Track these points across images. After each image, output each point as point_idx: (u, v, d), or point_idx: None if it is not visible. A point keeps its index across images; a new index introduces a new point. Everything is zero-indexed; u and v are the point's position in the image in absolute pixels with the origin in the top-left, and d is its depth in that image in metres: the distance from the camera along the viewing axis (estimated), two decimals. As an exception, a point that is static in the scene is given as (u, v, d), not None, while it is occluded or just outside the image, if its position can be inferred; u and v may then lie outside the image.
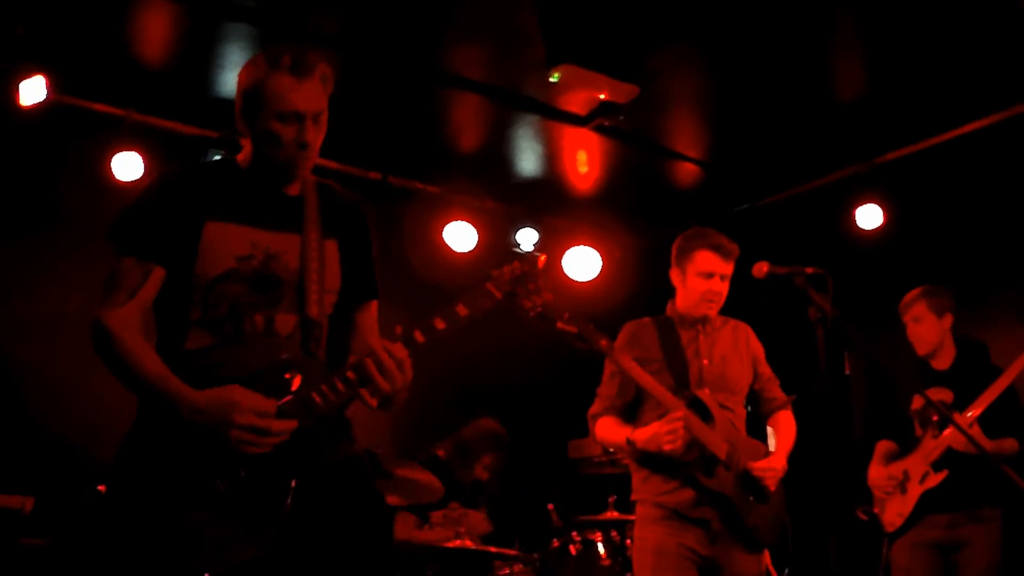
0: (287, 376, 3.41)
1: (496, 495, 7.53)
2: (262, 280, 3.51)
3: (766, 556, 5.52)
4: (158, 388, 3.32)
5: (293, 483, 3.35)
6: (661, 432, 5.14)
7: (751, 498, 5.32)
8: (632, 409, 5.57)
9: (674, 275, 5.67)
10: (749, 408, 5.75)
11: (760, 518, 5.33)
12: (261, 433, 3.28)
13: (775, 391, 5.79)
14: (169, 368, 3.36)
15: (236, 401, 3.26)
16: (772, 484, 5.36)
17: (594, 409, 5.67)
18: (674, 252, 5.67)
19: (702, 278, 5.50)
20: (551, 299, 3.87)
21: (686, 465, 5.25)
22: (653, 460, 5.34)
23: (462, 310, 3.57)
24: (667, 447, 5.11)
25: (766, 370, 5.80)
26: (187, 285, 3.46)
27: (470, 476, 7.48)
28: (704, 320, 5.60)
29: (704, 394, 5.40)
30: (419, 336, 3.49)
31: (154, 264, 3.44)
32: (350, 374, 3.41)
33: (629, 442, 5.33)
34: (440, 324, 3.52)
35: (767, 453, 5.50)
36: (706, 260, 5.49)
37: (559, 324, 4.92)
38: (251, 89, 3.51)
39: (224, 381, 3.32)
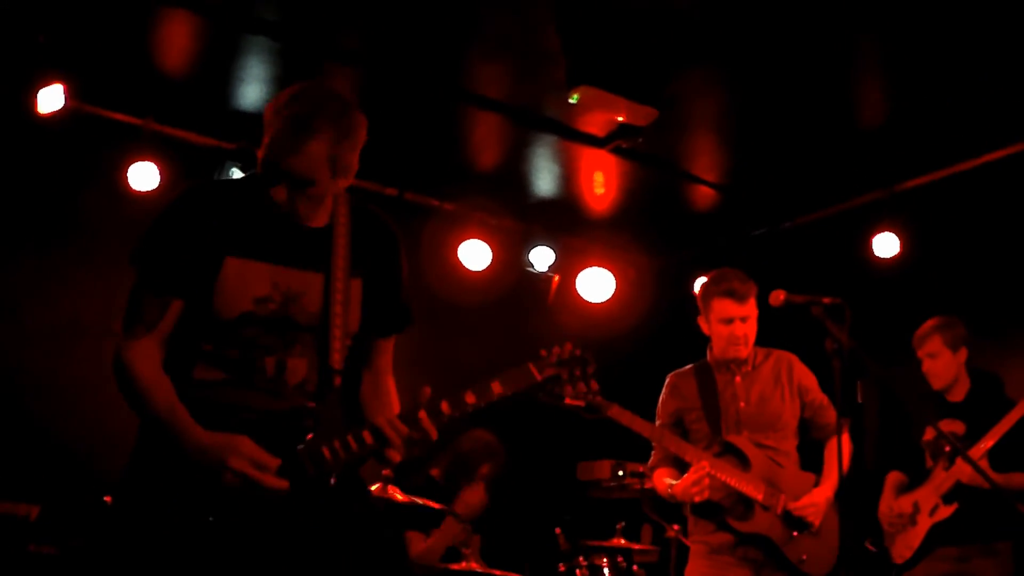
0: (308, 423, 3.39)
1: (490, 511, 7.48)
2: (279, 324, 3.47)
3: None
4: (168, 423, 3.31)
5: (285, 531, 3.34)
6: (688, 484, 5.36)
7: (795, 533, 5.44)
8: (680, 459, 5.69)
9: (702, 323, 5.81)
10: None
11: (807, 551, 5.45)
12: (251, 484, 3.25)
13: (828, 416, 5.78)
14: (175, 390, 3.36)
15: (236, 447, 3.25)
16: (815, 519, 5.47)
17: (651, 461, 5.93)
18: (698, 302, 5.81)
19: (723, 324, 5.64)
20: (597, 389, 3.78)
21: (723, 510, 5.46)
22: (697, 506, 5.55)
23: (496, 388, 3.55)
24: (697, 498, 5.35)
25: (816, 397, 5.82)
26: (202, 318, 3.43)
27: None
28: (738, 362, 5.70)
29: (738, 439, 5.55)
30: (446, 408, 3.47)
31: (172, 298, 3.43)
32: (367, 435, 3.40)
33: (671, 496, 5.57)
34: (470, 399, 3.51)
35: (816, 483, 5.60)
36: (722, 307, 5.62)
37: (567, 400, 4.88)
38: (270, 133, 3.40)
39: (231, 421, 3.33)
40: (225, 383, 3.44)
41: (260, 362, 3.45)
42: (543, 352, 3.65)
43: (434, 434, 3.45)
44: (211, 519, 3.24)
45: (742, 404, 5.64)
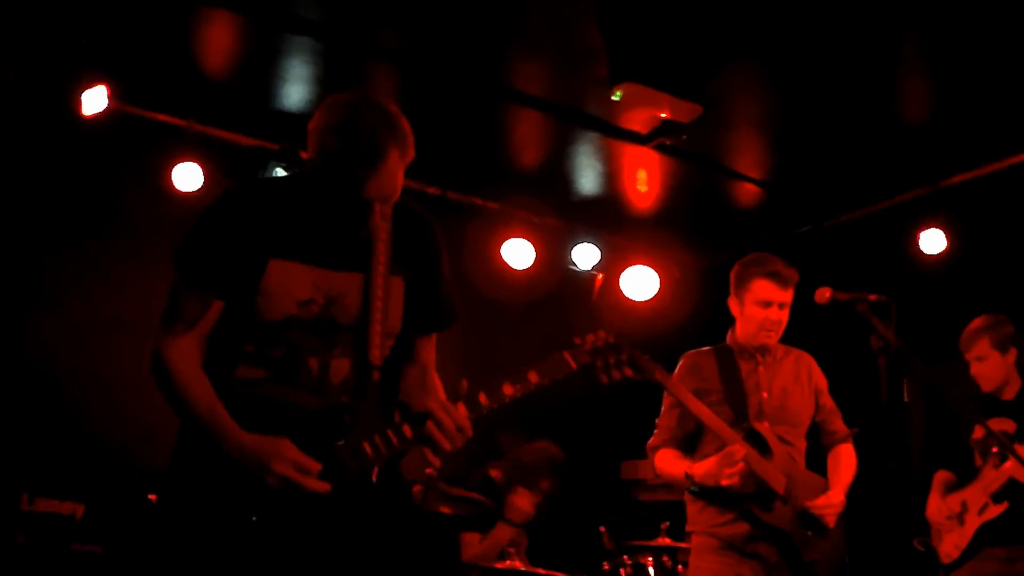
0: (347, 419, 3.39)
1: (547, 521, 7.48)
2: (321, 325, 3.48)
3: None
4: (205, 420, 3.32)
5: (327, 531, 3.34)
6: (720, 466, 5.11)
7: (809, 533, 5.28)
8: (691, 441, 5.54)
9: (732, 304, 5.64)
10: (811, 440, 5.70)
11: (818, 553, 5.28)
12: (293, 488, 3.25)
13: (837, 424, 5.74)
14: (215, 389, 3.37)
15: (279, 450, 3.26)
16: (831, 520, 5.33)
17: (653, 441, 5.66)
18: (732, 280, 5.65)
19: (760, 307, 5.47)
20: (631, 375, 3.84)
21: (743, 499, 5.22)
22: (710, 492, 5.32)
23: (534, 377, 3.56)
24: (725, 482, 5.09)
25: (828, 402, 5.74)
26: (245, 319, 3.44)
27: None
28: (764, 350, 5.58)
29: (763, 427, 5.36)
30: (484, 400, 3.49)
31: (213, 297, 3.43)
32: (407, 429, 3.42)
33: (688, 476, 5.32)
34: (508, 390, 3.52)
35: (826, 487, 5.45)
36: (763, 288, 5.45)
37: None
38: (322, 155, 3.36)
39: (272, 419, 3.34)
40: (268, 381, 3.44)
41: (304, 362, 3.46)
42: (577, 340, 3.69)
43: (468, 425, 3.45)
44: (255, 519, 3.24)
45: (765, 394, 5.49)
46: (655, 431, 5.67)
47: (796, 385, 5.62)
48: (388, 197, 3.43)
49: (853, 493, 5.51)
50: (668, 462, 5.52)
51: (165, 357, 3.38)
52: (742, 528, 5.24)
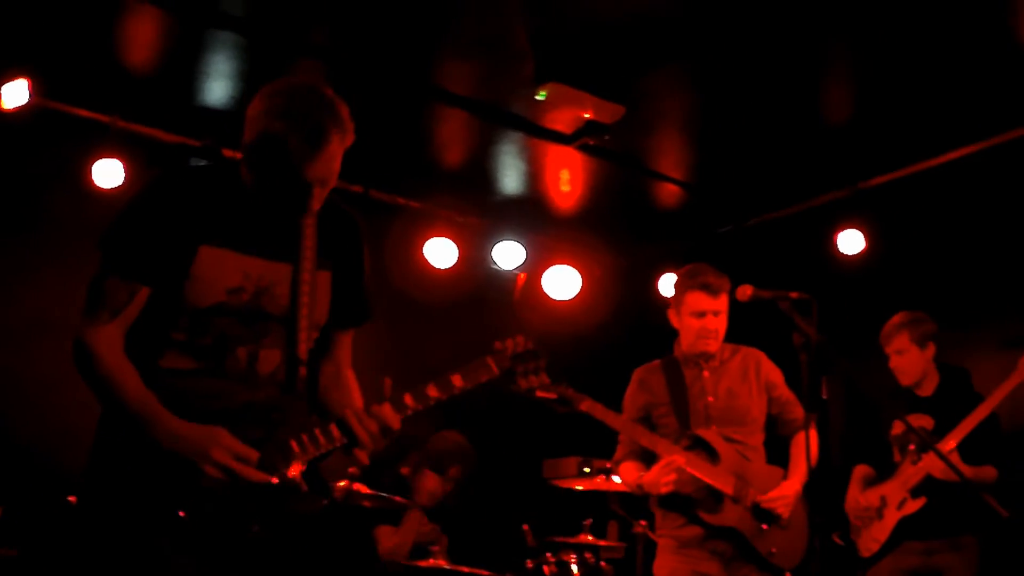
0: (275, 417, 3.39)
1: (457, 510, 7.48)
2: (250, 314, 3.46)
3: None
4: (136, 408, 3.26)
5: (255, 528, 3.32)
6: (658, 476, 5.39)
7: (764, 527, 5.47)
8: (649, 452, 5.69)
9: (671, 316, 5.83)
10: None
11: (775, 544, 5.49)
12: (233, 477, 3.24)
13: (794, 412, 5.87)
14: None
15: (217, 438, 3.24)
16: (784, 511, 5.50)
17: (617, 455, 5.92)
18: (671, 295, 5.84)
19: (695, 318, 5.66)
20: (549, 383, 3.90)
21: (693, 503, 5.46)
22: (666, 500, 5.56)
23: (457, 381, 3.62)
24: (664, 490, 5.37)
25: (782, 393, 5.88)
26: (173, 306, 3.39)
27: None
28: (706, 356, 5.73)
29: (707, 432, 5.57)
30: (409, 401, 3.52)
31: (141, 285, 3.37)
32: (334, 428, 3.43)
33: (639, 487, 5.62)
34: (433, 392, 3.58)
35: (784, 478, 5.64)
36: (696, 300, 5.63)
37: (538, 393, 4.94)
38: (262, 140, 3.35)
39: (200, 411, 3.30)
40: (196, 372, 3.40)
41: (233, 351, 3.43)
42: (498, 345, 3.74)
43: (397, 426, 3.48)
44: (181, 515, 3.20)
45: (711, 399, 5.66)
46: (617, 445, 5.90)
47: (744, 384, 5.77)
48: (327, 180, 3.43)
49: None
50: (627, 474, 5.79)
51: (89, 345, 3.30)
52: (696, 530, 5.47)
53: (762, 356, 5.91)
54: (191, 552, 3.21)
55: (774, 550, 5.46)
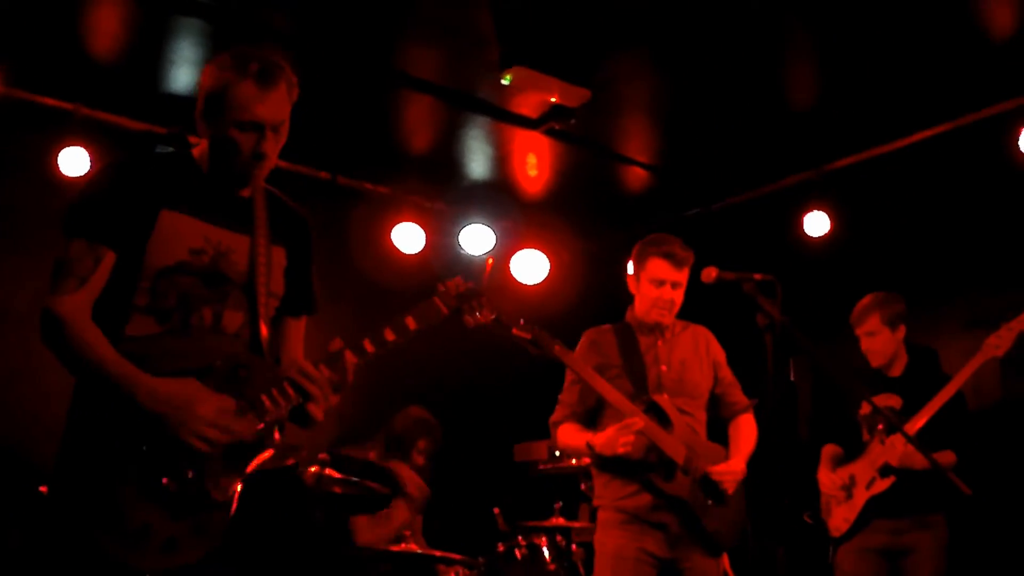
0: (241, 374, 3.41)
1: (429, 480, 7.51)
2: (212, 276, 3.50)
3: (725, 559, 5.57)
4: (114, 372, 3.26)
5: (239, 487, 3.34)
6: (616, 436, 5.18)
7: (709, 502, 5.38)
8: (593, 415, 5.62)
9: (630, 281, 5.74)
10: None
11: (719, 522, 5.39)
12: (220, 429, 3.28)
13: (736, 395, 5.84)
14: None
15: (198, 392, 3.28)
16: (731, 487, 5.42)
17: (556, 416, 5.73)
18: (632, 259, 5.72)
19: (653, 285, 5.55)
20: (493, 318, 4.03)
21: (645, 469, 5.32)
22: (613, 465, 5.40)
23: (411, 323, 3.71)
24: (621, 450, 5.16)
25: (727, 375, 5.85)
26: (135, 271, 3.42)
27: (411, 465, 7.46)
28: (660, 326, 5.65)
29: (662, 399, 5.45)
30: (368, 346, 3.60)
31: (105, 248, 3.38)
32: (287, 387, 3.48)
33: (588, 446, 5.39)
34: (390, 336, 3.65)
35: (726, 457, 5.55)
36: (657, 267, 5.54)
37: (514, 331, 5.00)
38: (214, 92, 3.48)
39: (168, 371, 3.32)
40: (162, 335, 3.43)
41: (198, 311, 3.47)
42: (440, 287, 3.88)
43: (351, 376, 3.56)
44: (165, 482, 3.24)
45: (664, 367, 5.58)
46: (557, 406, 5.74)
47: (695, 358, 5.72)
48: (278, 126, 3.52)
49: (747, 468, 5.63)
50: (570, 435, 5.59)
51: (56, 313, 3.31)
52: (645, 499, 5.33)
53: (711, 335, 5.88)
54: (183, 519, 3.26)
55: (718, 527, 5.38)
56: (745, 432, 5.74)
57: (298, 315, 3.90)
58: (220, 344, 3.50)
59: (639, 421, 5.19)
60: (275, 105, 3.48)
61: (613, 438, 5.20)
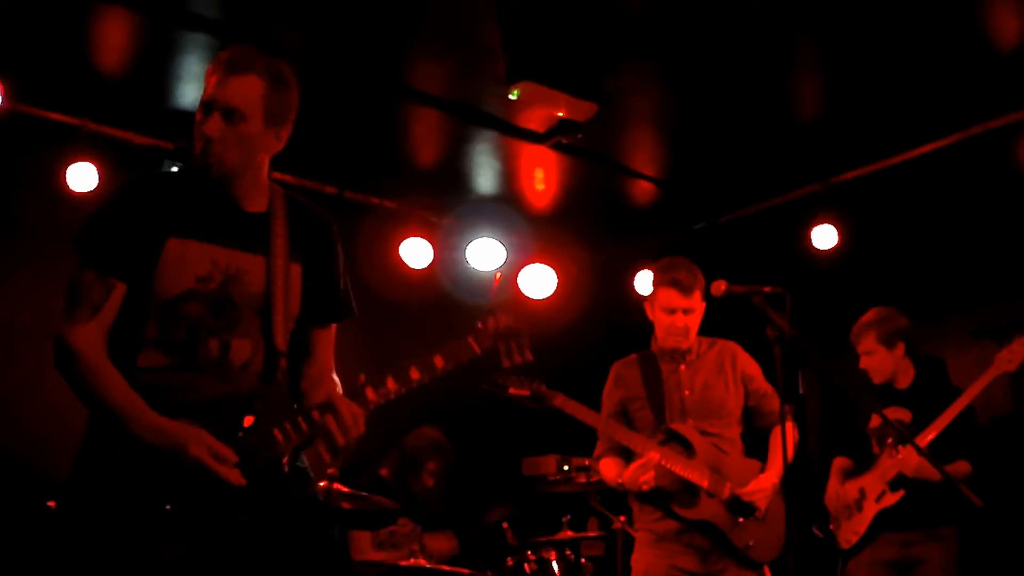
0: (257, 406, 3.39)
1: (441, 504, 7.50)
2: (220, 303, 3.47)
3: (766, 573, 5.59)
4: (119, 408, 3.28)
5: (244, 518, 3.33)
6: (636, 474, 5.40)
7: (740, 519, 5.47)
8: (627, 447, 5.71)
9: (647, 309, 5.83)
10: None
11: (752, 537, 5.49)
12: (210, 476, 3.25)
13: (771, 405, 5.82)
14: None
15: (196, 435, 3.25)
16: (762, 504, 5.51)
17: (597, 451, 5.90)
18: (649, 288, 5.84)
19: (665, 313, 5.66)
20: (532, 360, 3.81)
21: (668, 497, 5.48)
22: (641, 495, 5.56)
23: (439, 362, 3.58)
24: (645, 487, 5.38)
25: (760, 386, 5.87)
26: (144, 302, 3.41)
27: (420, 486, 7.46)
28: (680, 352, 5.73)
29: (681, 426, 5.57)
30: (392, 384, 3.51)
31: (116, 280, 3.39)
32: (316, 414, 3.41)
33: (619, 484, 5.59)
34: (415, 375, 3.54)
35: (761, 471, 5.64)
36: (666, 296, 5.63)
37: (511, 391, 4.98)
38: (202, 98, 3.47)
39: (176, 404, 3.31)
40: (170, 368, 3.41)
41: (204, 343, 3.44)
42: (479, 325, 3.67)
43: (362, 421, 3.46)
44: (168, 508, 3.22)
45: (687, 392, 5.67)
46: (598, 440, 5.87)
47: (719, 377, 5.77)
48: (231, 109, 3.43)
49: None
50: (607, 470, 5.77)
51: (70, 343, 3.33)
52: (672, 524, 5.49)
53: (738, 349, 5.91)
54: (181, 544, 3.23)
55: (751, 543, 5.48)
56: (775, 444, 5.74)
57: (325, 324, 3.84)
58: (227, 378, 3.47)
59: (654, 456, 5.36)
60: (233, 89, 3.41)
61: (634, 476, 5.40)
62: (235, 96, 3.42)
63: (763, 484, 5.54)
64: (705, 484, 5.44)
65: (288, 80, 3.55)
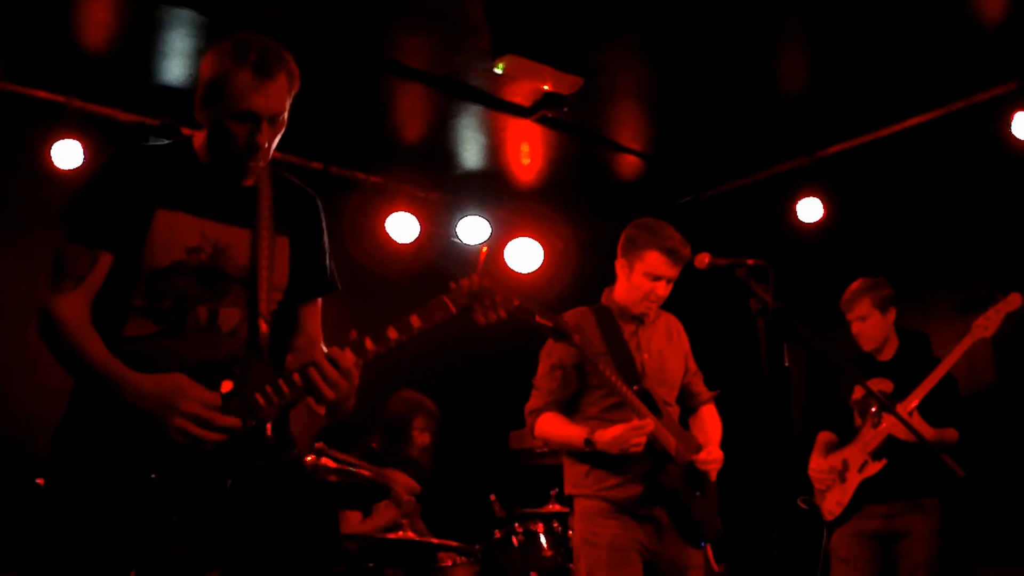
0: (236, 371, 3.41)
1: (432, 462, 7.50)
2: (209, 273, 3.50)
3: (708, 550, 5.47)
4: (101, 370, 3.30)
5: (228, 483, 3.36)
6: (627, 436, 5.01)
7: (697, 493, 5.30)
8: (572, 403, 5.43)
9: (619, 265, 5.52)
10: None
11: (704, 512, 5.31)
12: (203, 424, 3.27)
13: (700, 386, 5.78)
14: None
15: (182, 388, 3.27)
16: (714, 475, 5.36)
17: (533, 404, 5.50)
18: (623, 241, 5.52)
19: (648, 279, 5.35)
20: (505, 316, 3.84)
21: (640, 461, 5.14)
22: (600, 456, 5.17)
23: (416, 321, 3.61)
24: (633, 450, 5.01)
25: (693, 364, 5.77)
26: (132, 272, 3.43)
27: (414, 446, 7.44)
28: (642, 316, 5.48)
29: (653, 388, 5.33)
30: (370, 344, 3.53)
31: (102, 251, 3.41)
32: (296, 377, 3.44)
33: (588, 442, 5.13)
34: (393, 334, 3.57)
35: (700, 446, 5.41)
36: (657, 262, 5.32)
37: (537, 318, 4.77)
38: (213, 81, 3.46)
39: (162, 369, 3.32)
40: (158, 335, 3.44)
41: (192, 311, 3.47)
42: (453, 285, 3.71)
43: (356, 374, 3.49)
44: (153, 476, 3.24)
45: (645, 356, 5.42)
46: (533, 393, 5.51)
47: (670, 347, 5.59)
48: (275, 117, 3.48)
49: (738, 455, 5.63)
50: (554, 425, 5.36)
51: (54, 312, 3.35)
52: (635, 490, 5.16)
53: (679, 323, 5.76)
54: (166, 513, 3.25)
55: (704, 517, 5.28)
56: (712, 421, 5.67)
57: (311, 299, 3.88)
58: (215, 342, 3.50)
59: (650, 424, 5.04)
60: (272, 96, 3.45)
61: (623, 438, 5.00)
62: (278, 103, 3.48)
63: (717, 454, 5.34)
64: (672, 451, 5.19)
65: (297, 71, 3.58)
